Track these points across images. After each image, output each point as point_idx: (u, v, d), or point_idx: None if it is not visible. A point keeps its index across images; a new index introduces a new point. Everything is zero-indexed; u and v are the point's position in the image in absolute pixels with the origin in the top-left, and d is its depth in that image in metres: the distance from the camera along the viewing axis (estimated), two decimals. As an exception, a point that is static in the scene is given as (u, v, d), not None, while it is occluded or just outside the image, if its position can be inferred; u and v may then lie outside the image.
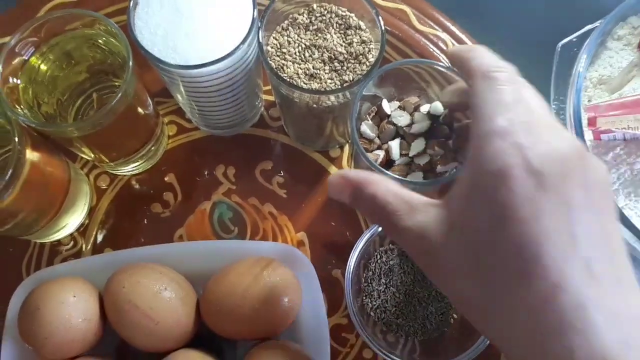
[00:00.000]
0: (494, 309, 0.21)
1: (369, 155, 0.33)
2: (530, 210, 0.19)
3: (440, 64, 0.32)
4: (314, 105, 0.37)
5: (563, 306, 0.19)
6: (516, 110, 0.22)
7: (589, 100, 0.43)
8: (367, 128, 0.34)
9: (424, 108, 0.34)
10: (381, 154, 0.33)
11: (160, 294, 0.36)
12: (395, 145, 0.33)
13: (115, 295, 0.36)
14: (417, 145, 0.33)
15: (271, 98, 0.47)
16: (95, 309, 0.37)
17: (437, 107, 0.33)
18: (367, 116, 0.35)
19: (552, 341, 0.19)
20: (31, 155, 0.36)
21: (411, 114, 0.34)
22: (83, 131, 0.35)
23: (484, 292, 0.21)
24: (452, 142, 0.33)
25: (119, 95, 0.34)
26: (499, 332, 0.21)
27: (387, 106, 0.34)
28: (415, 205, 0.23)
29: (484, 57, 0.25)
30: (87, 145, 0.39)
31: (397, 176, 0.32)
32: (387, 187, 0.24)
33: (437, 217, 0.22)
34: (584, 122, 0.41)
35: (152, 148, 0.44)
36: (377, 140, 0.34)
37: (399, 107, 0.34)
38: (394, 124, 0.34)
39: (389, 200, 0.23)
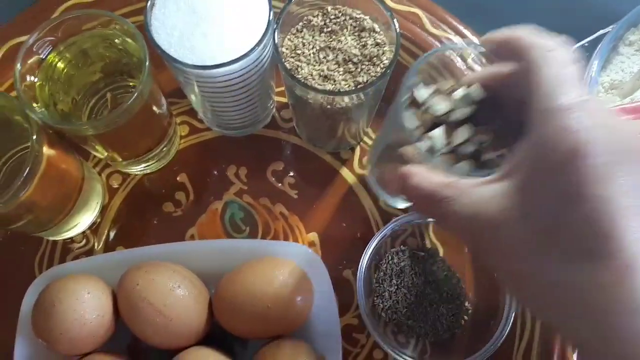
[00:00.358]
0: (558, 287, 0.20)
1: (411, 147, 0.30)
2: (604, 188, 0.19)
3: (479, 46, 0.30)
4: (328, 107, 0.37)
5: (637, 286, 0.18)
6: (578, 89, 0.21)
7: (600, 104, 0.44)
8: (407, 119, 0.31)
9: (458, 93, 0.31)
10: (427, 143, 0.30)
11: (173, 291, 0.36)
12: (439, 134, 0.31)
13: (129, 292, 0.36)
14: (462, 133, 0.31)
15: (283, 99, 0.47)
16: (109, 306, 0.37)
17: (477, 91, 0.31)
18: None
19: (624, 322, 0.19)
20: (47, 152, 0.36)
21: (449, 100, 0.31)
22: (98, 130, 0.36)
23: (548, 270, 0.20)
24: (497, 127, 0.31)
25: (135, 95, 0.35)
26: (561, 311, 0.21)
27: (423, 92, 0.32)
28: (463, 187, 0.23)
29: (536, 36, 0.24)
30: (101, 143, 0.40)
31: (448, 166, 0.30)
32: (428, 175, 0.24)
33: (493, 195, 0.22)
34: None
35: (165, 148, 0.45)
36: (416, 132, 0.31)
37: (435, 92, 0.32)
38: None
39: (434, 189, 0.24)
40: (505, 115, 0.31)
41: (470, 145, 0.31)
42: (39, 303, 0.36)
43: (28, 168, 0.34)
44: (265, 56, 0.36)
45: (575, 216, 0.20)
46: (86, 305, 0.36)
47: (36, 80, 0.36)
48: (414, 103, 0.32)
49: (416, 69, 0.31)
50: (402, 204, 0.44)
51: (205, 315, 0.38)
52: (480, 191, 0.23)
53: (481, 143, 0.31)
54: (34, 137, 0.34)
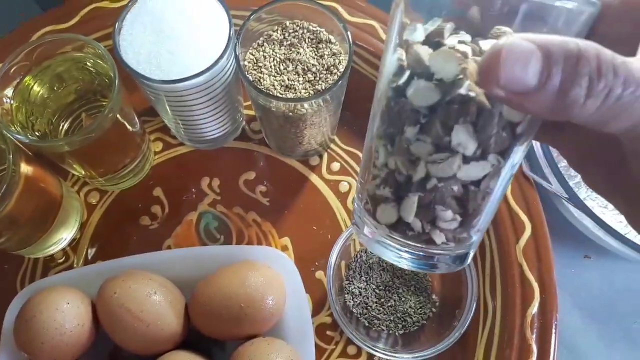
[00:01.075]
0: None
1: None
2: None
3: None
4: (291, 114, 0.39)
5: None
6: None
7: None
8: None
9: None
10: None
11: (150, 297, 0.38)
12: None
13: (107, 301, 0.38)
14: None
15: (252, 113, 0.50)
16: (88, 315, 0.38)
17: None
18: None
19: None
20: (25, 171, 0.38)
21: None
22: (73, 146, 0.38)
23: None
24: None
25: (106, 110, 0.37)
26: None
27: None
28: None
29: None
30: (77, 160, 0.41)
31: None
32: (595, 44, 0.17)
33: None
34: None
35: (139, 163, 0.47)
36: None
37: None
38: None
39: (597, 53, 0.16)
40: None
41: None
42: (20, 315, 0.37)
43: (5, 186, 0.36)
44: (228, 69, 0.39)
45: None
46: (66, 314, 0.37)
47: (12, 102, 0.38)
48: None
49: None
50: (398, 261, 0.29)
51: (182, 320, 0.39)
52: None
53: None
54: (10, 156, 0.36)
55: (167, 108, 0.41)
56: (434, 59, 0.20)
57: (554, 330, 0.40)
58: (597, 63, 0.16)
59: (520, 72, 0.16)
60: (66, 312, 0.37)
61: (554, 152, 0.43)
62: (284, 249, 0.47)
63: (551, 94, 0.16)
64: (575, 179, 0.44)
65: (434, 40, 0.21)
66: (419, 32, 0.21)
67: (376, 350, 0.39)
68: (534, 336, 0.39)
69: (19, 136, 0.36)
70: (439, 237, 0.23)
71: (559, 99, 0.16)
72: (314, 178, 0.48)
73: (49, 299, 0.37)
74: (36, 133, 0.40)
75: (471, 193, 0.21)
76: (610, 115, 0.17)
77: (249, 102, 0.49)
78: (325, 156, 0.49)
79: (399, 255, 0.24)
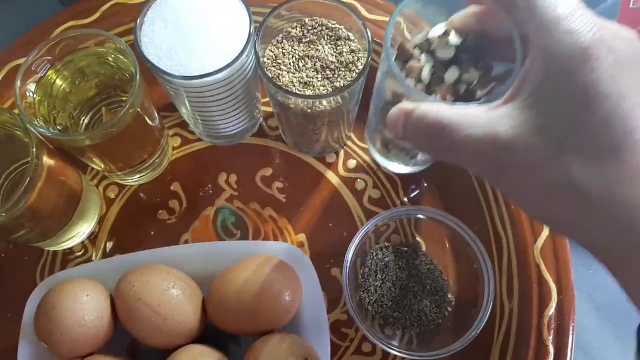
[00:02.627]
0: (580, 190, 0.20)
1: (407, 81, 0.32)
2: (616, 88, 0.20)
3: None
4: (309, 111, 0.39)
5: None
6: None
7: None
8: (396, 67, 0.32)
9: (452, 38, 0.33)
10: (411, 82, 0.33)
11: (168, 291, 0.38)
12: (427, 67, 0.33)
13: (125, 294, 0.38)
14: (451, 74, 0.33)
15: (269, 109, 0.50)
16: (107, 308, 0.39)
17: (453, 37, 0.33)
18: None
19: None
20: (47, 164, 0.39)
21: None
22: (94, 139, 0.38)
23: (569, 175, 0.20)
24: (482, 64, 0.33)
25: (127, 105, 0.37)
26: (584, 215, 0.21)
27: (420, 36, 0.35)
28: (472, 113, 0.23)
29: None
30: (97, 154, 0.42)
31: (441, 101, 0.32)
32: (432, 106, 0.24)
33: (505, 114, 0.22)
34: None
35: (158, 158, 0.47)
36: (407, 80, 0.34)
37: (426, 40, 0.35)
38: (419, 60, 0.34)
39: (444, 115, 0.23)
40: (490, 54, 0.33)
41: (462, 85, 0.33)
42: (40, 307, 0.38)
43: (28, 178, 0.36)
44: (248, 66, 0.39)
45: (592, 116, 0.20)
46: (85, 307, 0.38)
47: (35, 96, 0.39)
48: (401, 55, 0.35)
49: (394, 20, 0.33)
50: (404, 168, 0.47)
51: (199, 314, 0.39)
52: (490, 115, 0.22)
53: (471, 81, 0.32)
54: (34, 149, 0.37)
55: (187, 103, 0.42)
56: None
57: (571, 332, 0.39)
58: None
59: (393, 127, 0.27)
60: (86, 304, 0.38)
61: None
62: (300, 245, 0.47)
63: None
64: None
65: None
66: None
67: (391, 348, 0.39)
68: (550, 337, 0.39)
69: (42, 129, 0.37)
70: None
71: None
72: (330, 175, 0.49)
73: (69, 290, 0.38)
74: (57, 127, 0.40)
75: None
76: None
77: (267, 99, 0.49)
78: (342, 153, 0.49)
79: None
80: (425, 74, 0.33)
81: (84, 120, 0.43)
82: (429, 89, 0.33)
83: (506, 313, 0.41)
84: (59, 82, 0.40)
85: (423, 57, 0.34)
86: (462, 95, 0.33)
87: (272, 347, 0.37)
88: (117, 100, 0.43)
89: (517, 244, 0.42)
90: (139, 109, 0.40)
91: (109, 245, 0.47)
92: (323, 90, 0.40)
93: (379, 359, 0.43)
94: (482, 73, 0.33)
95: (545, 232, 0.41)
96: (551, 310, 0.39)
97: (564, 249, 0.41)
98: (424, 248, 0.46)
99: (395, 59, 0.35)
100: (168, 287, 0.38)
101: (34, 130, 0.37)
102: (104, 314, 0.38)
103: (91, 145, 0.39)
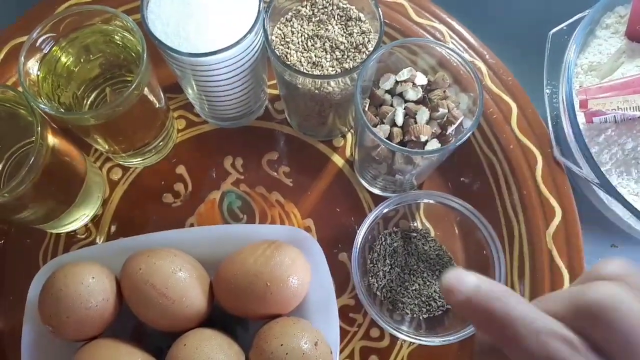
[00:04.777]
0: None
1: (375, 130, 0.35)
2: None
3: (429, 40, 0.36)
4: (316, 91, 0.39)
5: None
6: None
7: (580, 86, 0.45)
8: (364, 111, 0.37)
9: (419, 80, 0.38)
10: (387, 128, 0.36)
11: (175, 274, 0.38)
12: (399, 111, 0.36)
13: (132, 277, 0.37)
14: (422, 114, 0.36)
15: (275, 92, 0.49)
16: (113, 290, 0.38)
17: (421, 78, 0.38)
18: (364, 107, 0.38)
19: None
20: (52, 144, 0.38)
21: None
22: (99, 119, 0.37)
23: None
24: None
25: (134, 84, 0.36)
26: None
27: (387, 83, 0.38)
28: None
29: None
30: (102, 135, 0.41)
31: (408, 149, 0.35)
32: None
33: None
34: (576, 105, 0.43)
35: (163, 140, 0.46)
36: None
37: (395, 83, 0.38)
38: (391, 105, 0.37)
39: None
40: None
41: (433, 124, 0.37)
42: (45, 289, 0.37)
43: (33, 158, 0.36)
44: (256, 44, 0.38)
45: None
46: (91, 289, 0.37)
47: (39, 74, 0.38)
48: (374, 101, 0.39)
49: (367, 66, 0.36)
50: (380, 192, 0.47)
51: (207, 297, 0.39)
52: None
53: (441, 118, 0.37)
54: (39, 128, 0.36)
55: (193, 83, 0.41)
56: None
57: (582, 318, 0.39)
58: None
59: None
60: (92, 286, 0.37)
61: (586, 137, 0.42)
62: (307, 230, 0.46)
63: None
64: (606, 165, 0.43)
65: None
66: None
67: (400, 332, 0.39)
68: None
69: (46, 107, 0.36)
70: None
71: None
72: (336, 159, 0.48)
73: (75, 273, 0.37)
74: (61, 107, 0.39)
75: None
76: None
77: (273, 81, 0.48)
78: (349, 136, 0.48)
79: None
80: (399, 118, 0.37)
81: (87, 100, 0.42)
82: (405, 129, 0.37)
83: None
84: (63, 59, 0.39)
85: (394, 100, 0.38)
86: (436, 135, 0.37)
87: (281, 330, 0.37)
88: (122, 80, 0.42)
89: (529, 229, 0.41)
90: (145, 90, 0.39)
91: (113, 228, 0.47)
92: (332, 71, 0.39)
93: (388, 344, 0.43)
94: (450, 107, 0.37)
95: (558, 218, 0.41)
96: (563, 295, 0.39)
97: (576, 236, 0.40)
98: (433, 234, 0.45)
99: (369, 104, 0.39)
100: (175, 269, 0.38)
101: (38, 109, 0.36)
102: (110, 297, 0.38)
103: (96, 125, 0.39)
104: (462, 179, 0.46)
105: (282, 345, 0.36)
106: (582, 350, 0.19)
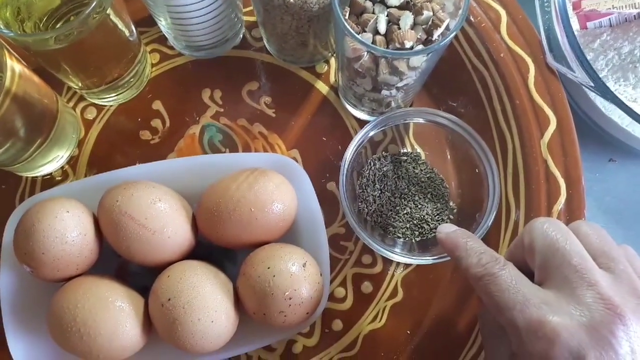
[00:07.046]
0: None
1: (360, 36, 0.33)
2: None
3: None
4: (292, 1, 0.36)
5: None
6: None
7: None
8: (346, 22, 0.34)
9: None
10: (369, 36, 0.34)
11: (154, 204, 0.36)
12: (382, 18, 0.34)
13: (110, 210, 0.36)
14: (406, 20, 0.34)
15: (252, 18, 0.47)
16: (90, 225, 0.36)
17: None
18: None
19: None
20: (14, 69, 0.36)
21: None
22: (61, 42, 0.35)
23: None
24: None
25: (95, 3, 0.34)
26: None
27: None
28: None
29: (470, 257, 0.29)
30: (70, 66, 0.39)
31: (392, 50, 0.33)
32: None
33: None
34: (569, 9, 0.41)
35: (135, 75, 0.44)
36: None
37: None
38: (373, 12, 0.35)
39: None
40: None
41: (418, 29, 0.35)
42: (19, 226, 0.36)
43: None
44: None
45: None
46: (66, 223, 0.35)
47: (-5, -1, 0.35)
48: (354, 9, 0.36)
49: None
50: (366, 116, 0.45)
51: (190, 228, 0.37)
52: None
53: (426, 22, 0.35)
54: (-4, 54, 0.34)
55: (165, 11, 0.38)
56: None
57: (580, 229, 0.38)
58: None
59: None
60: (67, 220, 0.35)
61: (581, 40, 0.40)
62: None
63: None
64: (602, 72, 0.41)
65: None
66: None
67: (393, 253, 0.38)
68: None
69: (5, 30, 0.34)
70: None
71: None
72: (320, 86, 0.46)
73: (48, 207, 0.36)
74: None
75: None
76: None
77: (249, 8, 0.46)
78: (332, 61, 0.46)
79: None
80: (382, 25, 0.35)
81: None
82: (388, 37, 0.34)
83: (512, 213, 0.39)
84: (19, -16, 0.37)
85: (376, 7, 0.35)
86: (421, 40, 0.35)
87: (268, 254, 0.35)
88: (87, 9, 0.39)
89: (523, 139, 0.39)
90: (112, 16, 0.36)
91: (90, 170, 0.45)
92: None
93: (380, 270, 0.42)
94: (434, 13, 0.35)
95: (553, 126, 0.39)
96: (560, 205, 0.37)
97: (572, 143, 0.38)
98: (423, 156, 0.43)
99: (349, 13, 0.36)
100: (155, 200, 0.36)
101: (-5, 35, 0.34)
102: (87, 231, 0.36)
103: (62, 52, 0.36)
104: (452, 103, 0.44)
105: (268, 268, 0.34)
106: (505, 264, 0.28)
